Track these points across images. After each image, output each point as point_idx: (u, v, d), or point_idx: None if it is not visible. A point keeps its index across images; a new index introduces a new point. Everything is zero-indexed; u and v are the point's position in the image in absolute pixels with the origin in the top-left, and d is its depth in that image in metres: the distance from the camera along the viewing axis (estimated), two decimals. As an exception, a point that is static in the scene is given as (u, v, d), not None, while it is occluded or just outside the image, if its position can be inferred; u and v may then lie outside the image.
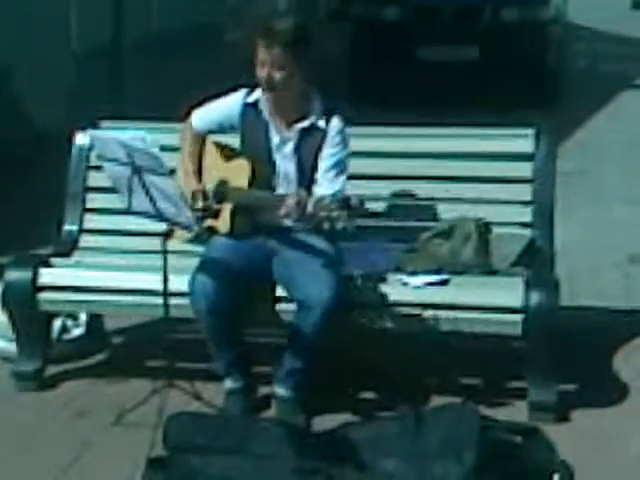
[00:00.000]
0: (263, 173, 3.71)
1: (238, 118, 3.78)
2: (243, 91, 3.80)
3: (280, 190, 3.71)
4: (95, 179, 4.24)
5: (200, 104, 3.92)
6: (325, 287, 3.47)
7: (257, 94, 3.75)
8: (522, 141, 4.06)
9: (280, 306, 3.68)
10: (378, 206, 4.06)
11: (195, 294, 3.56)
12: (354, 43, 9.94)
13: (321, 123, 3.70)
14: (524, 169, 4.02)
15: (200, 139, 3.89)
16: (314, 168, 3.69)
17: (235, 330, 3.69)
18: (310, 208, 3.33)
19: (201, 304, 3.54)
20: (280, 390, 3.66)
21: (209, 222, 3.75)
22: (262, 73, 3.60)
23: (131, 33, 9.70)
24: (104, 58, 9.12)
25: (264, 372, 3.81)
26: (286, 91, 3.64)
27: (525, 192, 4.00)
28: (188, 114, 3.92)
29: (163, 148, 3.52)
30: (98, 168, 4.02)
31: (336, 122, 3.71)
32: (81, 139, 4.32)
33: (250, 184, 3.67)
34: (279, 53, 3.55)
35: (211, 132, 3.88)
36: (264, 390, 3.80)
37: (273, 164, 3.73)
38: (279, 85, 3.61)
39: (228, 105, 3.81)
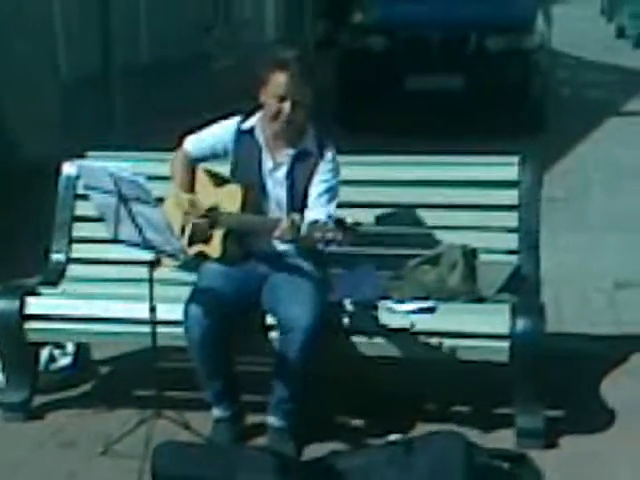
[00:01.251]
0: (254, 199, 3.72)
1: (232, 144, 3.80)
2: (237, 117, 3.83)
3: (272, 216, 3.72)
4: (82, 208, 4.25)
5: (191, 132, 3.94)
6: (307, 310, 3.48)
7: (253, 121, 3.79)
8: (508, 168, 4.09)
9: (271, 334, 3.67)
10: (365, 234, 4.06)
11: (189, 324, 3.55)
12: (341, 72, 10.01)
13: (314, 150, 3.74)
14: (510, 196, 4.05)
15: (192, 167, 3.90)
16: (305, 194, 3.71)
17: (226, 359, 3.68)
18: (304, 230, 3.35)
19: (195, 334, 3.54)
20: (271, 419, 3.65)
21: (200, 247, 3.77)
22: (285, 108, 3.63)
23: (120, 62, 9.74)
24: (92, 87, 9.15)
25: (255, 401, 3.80)
26: (299, 122, 3.68)
27: (511, 219, 4.02)
28: (179, 143, 3.94)
29: (151, 177, 3.54)
30: (85, 197, 4.02)
31: (329, 150, 3.76)
32: (68, 169, 4.33)
33: (242, 210, 3.69)
34: (300, 86, 3.60)
35: (204, 158, 3.89)
36: (254, 419, 3.79)
37: (265, 190, 3.76)
38: (297, 117, 3.65)
39: (223, 130, 3.84)
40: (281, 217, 3.54)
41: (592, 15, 25.27)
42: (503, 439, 3.65)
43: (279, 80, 3.62)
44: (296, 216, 3.45)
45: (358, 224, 3.32)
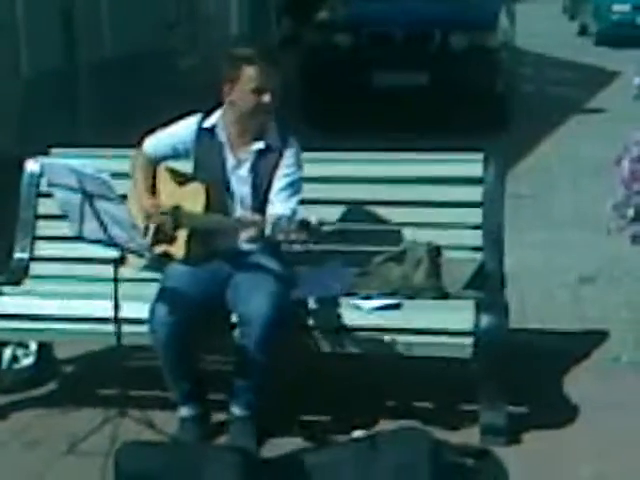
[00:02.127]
0: (218, 197, 3.71)
1: (193, 142, 3.78)
2: (198, 116, 3.81)
3: (236, 213, 3.72)
4: (46, 206, 4.22)
5: (153, 131, 3.92)
6: (266, 302, 3.49)
7: (214, 119, 3.77)
8: (472, 165, 4.11)
9: (237, 332, 3.67)
10: (330, 231, 4.07)
11: (155, 325, 3.54)
12: (306, 69, 10.01)
13: (277, 145, 3.74)
14: (474, 193, 4.06)
15: (152, 167, 3.88)
16: (269, 190, 3.71)
17: (192, 360, 3.68)
18: (268, 231, 3.35)
19: (161, 335, 3.53)
20: (234, 409, 3.65)
21: (164, 248, 3.75)
22: (265, 99, 3.63)
23: (83, 58, 9.67)
24: (55, 83, 9.08)
25: (221, 399, 3.79)
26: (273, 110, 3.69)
27: (475, 216, 4.04)
28: (141, 142, 3.92)
29: (115, 174, 3.52)
30: (49, 195, 3.99)
31: (292, 144, 3.75)
32: (31, 166, 4.29)
33: (205, 208, 3.67)
34: (276, 77, 3.63)
35: (165, 158, 3.87)
36: (220, 417, 3.78)
37: (228, 188, 3.75)
38: (273, 108, 3.66)
39: (183, 129, 3.82)
40: (243, 215, 3.55)
41: (554, 13, 25.45)
42: (467, 436, 3.66)
43: (250, 74, 3.61)
44: (259, 218, 3.44)
45: (322, 224, 3.32)
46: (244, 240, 3.46)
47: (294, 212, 3.61)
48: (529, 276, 5.25)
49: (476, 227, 4.03)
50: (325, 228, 3.37)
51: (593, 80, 13.46)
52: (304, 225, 3.27)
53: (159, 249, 3.74)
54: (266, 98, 3.63)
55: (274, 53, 3.72)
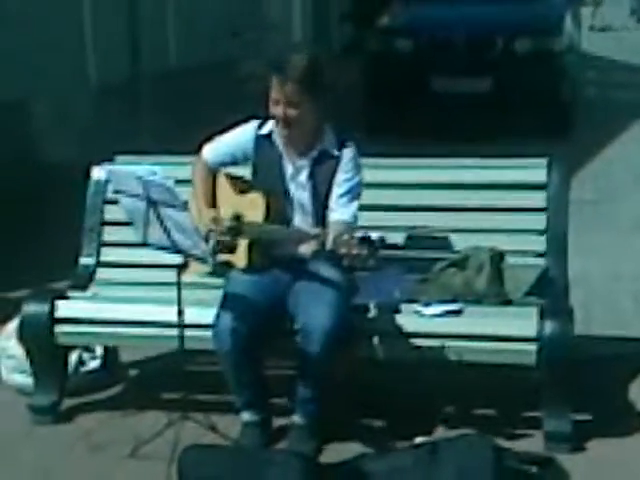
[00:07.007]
0: (278, 206, 3.72)
1: (252, 149, 3.80)
2: (255, 122, 3.83)
3: (296, 220, 3.74)
4: (111, 213, 4.28)
5: (212, 138, 3.95)
6: (327, 312, 3.50)
7: (270, 125, 3.78)
8: (535, 171, 4.08)
9: (298, 338, 3.68)
10: (392, 237, 4.07)
11: (219, 332, 3.56)
12: (368, 75, 10.01)
13: (334, 151, 3.74)
14: (537, 199, 4.04)
15: (212, 173, 3.91)
16: (328, 196, 3.72)
17: (255, 366, 3.70)
18: (329, 245, 3.36)
19: (226, 342, 3.55)
20: (295, 417, 3.68)
21: (226, 257, 3.77)
22: (277, 111, 3.63)
23: (148, 68, 9.80)
24: (121, 93, 9.21)
25: (281, 404, 3.81)
26: (301, 126, 3.67)
27: (538, 221, 4.01)
28: (200, 148, 3.96)
29: (179, 181, 3.56)
30: (114, 202, 4.05)
31: (349, 149, 3.75)
32: (97, 173, 4.36)
33: (266, 217, 3.69)
34: (293, 91, 3.58)
35: (223, 164, 3.90)
36: (282, 422, 3.80)
37: (287, 194, 3.76)
38: (294, 122, 3.63)
39: (241, 136, 3.84)
40: (301, 228, 3.57)
41: (621, 16, 25.11)
42: (531, 443, 3.63)
43: (274, 83, 3.62)
44: (320, 231, 3.46)
45: (384, 241, 3.33)
46: (305, 253, 3.45)
47: (355, 217, 3.63)
48: (593, 282, 5.19)
49: (540, 233, 4.00)
50: (387, 238, 3.37)
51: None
52: (366, 241, 3.27)
53: (221, 258, 3.77)
54: (276, 111, 3.63)
55: (313, 67, 3.62)
